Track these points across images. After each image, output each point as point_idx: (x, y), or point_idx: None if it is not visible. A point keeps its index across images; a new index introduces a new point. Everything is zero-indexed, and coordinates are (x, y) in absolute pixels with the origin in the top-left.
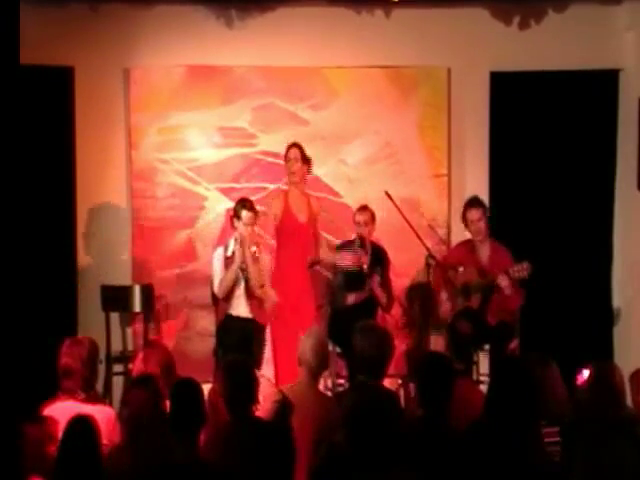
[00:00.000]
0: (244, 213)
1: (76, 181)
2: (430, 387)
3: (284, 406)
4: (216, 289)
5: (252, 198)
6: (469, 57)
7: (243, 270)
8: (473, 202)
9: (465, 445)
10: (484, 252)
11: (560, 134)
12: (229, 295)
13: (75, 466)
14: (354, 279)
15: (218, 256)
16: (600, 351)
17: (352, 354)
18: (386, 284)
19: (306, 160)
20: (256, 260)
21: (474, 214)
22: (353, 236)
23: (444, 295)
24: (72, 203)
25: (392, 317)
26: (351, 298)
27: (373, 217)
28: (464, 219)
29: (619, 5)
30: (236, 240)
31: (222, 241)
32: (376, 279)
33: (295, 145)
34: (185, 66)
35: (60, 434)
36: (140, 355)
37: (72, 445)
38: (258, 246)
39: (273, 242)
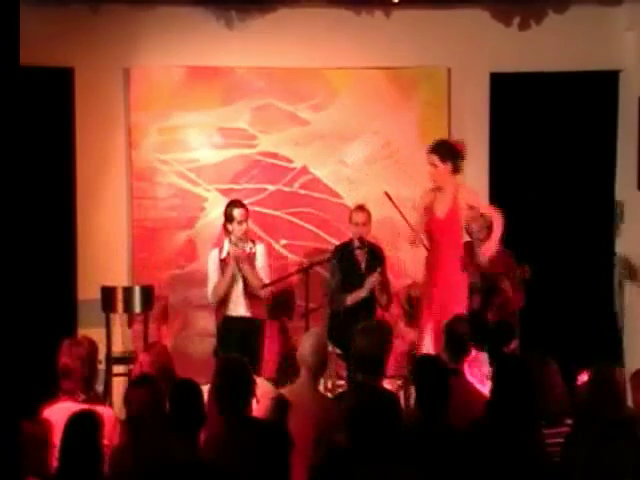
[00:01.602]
0: (235, 211)
1: (76, 181)
2: (425, 388)
3: (281, 403)
4: (209, 295)
5: (252, 199)
6: (469, 58)
7: (241, 270)
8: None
9: (465, 444)
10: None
11: (560, 135)
12: (226, 297)
13: (77, 459)
14: (352, 279)
15: (212, 259)
16: (601, 352)
17: (352, 355)
18: (384, 283)
19: (446, 159)
20: (253, 260)
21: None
22: (350, 235)
23: None
24: (72, 203)
25: (391, 317)
26: (350, 299)
27: (370, 217)
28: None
29: (619, 6)
30: (230, 241)
31: (219, 242)
32: (376, 278)
33: (432, 149)
34: (185, 67)
35: (58, 436)
36: (140, 357)
37: (75, 438)
38: (254, 243)
39: (273, 242)
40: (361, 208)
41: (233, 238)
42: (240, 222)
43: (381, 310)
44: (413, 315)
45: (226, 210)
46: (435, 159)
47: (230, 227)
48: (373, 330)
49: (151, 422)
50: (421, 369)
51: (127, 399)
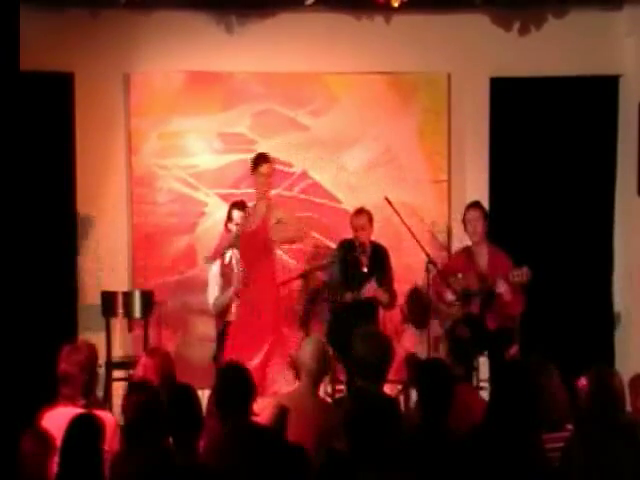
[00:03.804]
0: (235, 213)
1: (76, 187)
2: (430, 393)
3: (280, 412)
4: (211, 307)
5: (250, 204)
6: (469, 63)
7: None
8: (473, 203)
9: (465, 450)
10: (483, 257)
11: (560, 140)
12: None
13: (78, 462)
14: (353, 279)
15: (214, 277)
16: (600, 356)
17: (351, 359)
18: (387, 282)
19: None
20: None
21: (472, 213)
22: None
23: (450, 296)
24: (72, 209)
25: (392, 322)
26: (348, 297)
27: (371, 219)
28: (464, 220)
29: (619, 11)
30: (233, 246)
31: (218, 253)
32: (372, 285)
33: (268, 159)
34: (185, 72)
35: (58, 443)
36: (141, 361)
37: (75, 441)
38: None
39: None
40: (360, 212)
41: (234, 242)
42: (238, 225)
43: (383, 309)
44: (415, 318)
45: (229, 209)
46: (272, 170)
47: (230, 227)
48: (374, 336)
49: (150, 428)
50: (424, 374)
51: (125, 404)
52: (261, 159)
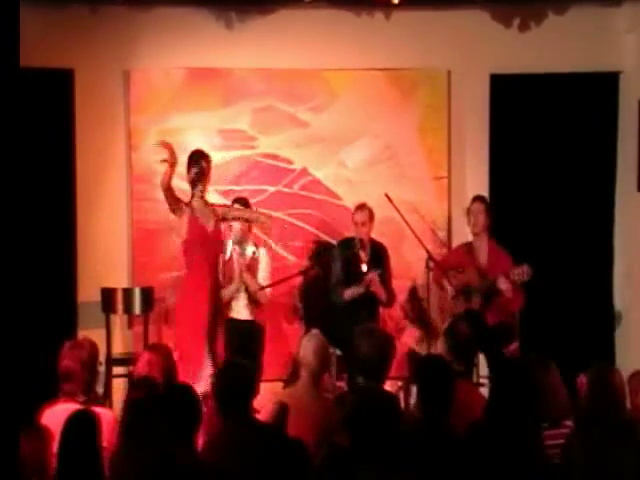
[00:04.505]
0: None
1: (76, 183)
2: (430, 390)
3: (280, 409)
4: None
5: (252, 200)
6: (469, 59)
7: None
8: (478, 196)
9: (465, 447)
10: (482, 252)
11: (560, 136)
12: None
13: (76, 458)
14: (353, 275)
15: None
16: (601, 354)
17: (352, 356)
18: (386, 279)
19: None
20: (255, 264)
21: (475, 206)
22: (353, 235)
23: (450, 289)
24: (72, 205)
25: (392, 319)
26: (347, 294)
27: (372, 215)
28: (468, 212)
29: (619, 7)
30: (233, 242)
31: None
32: (374, 277)
33: (206, 155)
34: (185, 68)
35: (58, 439)
36: (143, 357)
37: (72, 437)
38: (257, 246)
39: (273, 244)
40: (361, 207)
41: (233, 238)
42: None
43: (382, 306)
44: (415, 315)
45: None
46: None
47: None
48: (374, 333)
49: (150, 425)
50: (425, 370)
51: (126, 401)
52: (200, 155)
